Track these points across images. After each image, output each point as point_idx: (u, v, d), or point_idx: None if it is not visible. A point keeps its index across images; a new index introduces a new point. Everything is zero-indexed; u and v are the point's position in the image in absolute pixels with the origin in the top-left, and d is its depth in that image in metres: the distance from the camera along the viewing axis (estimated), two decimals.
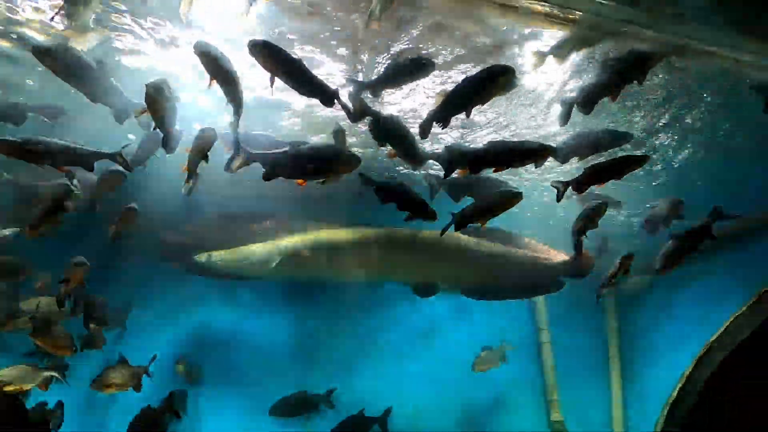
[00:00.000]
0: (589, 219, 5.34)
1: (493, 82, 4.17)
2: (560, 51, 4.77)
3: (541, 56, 4.85)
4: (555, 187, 5.05)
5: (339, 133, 4.97)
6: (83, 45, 4.74)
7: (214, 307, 9.49)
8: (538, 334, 10.66)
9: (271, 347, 9.64)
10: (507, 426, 10.10)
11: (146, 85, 4.08)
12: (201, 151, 4.36)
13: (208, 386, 8.96)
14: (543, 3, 4.14)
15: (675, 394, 7.65)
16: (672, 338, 9.45)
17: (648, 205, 6.69)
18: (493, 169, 4.85)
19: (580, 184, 4.93)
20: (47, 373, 5.30)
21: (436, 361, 10.15)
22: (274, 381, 9.28)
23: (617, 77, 4.37)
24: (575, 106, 4.64)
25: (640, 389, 10.26)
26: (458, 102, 4.34)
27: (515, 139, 6.39)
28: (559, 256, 8.34)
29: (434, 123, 4.58)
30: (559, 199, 5.03)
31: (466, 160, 4.81)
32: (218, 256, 7.94)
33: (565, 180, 4.94)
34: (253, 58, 4.01)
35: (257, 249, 8.02)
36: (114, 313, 7.34)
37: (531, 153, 4.63)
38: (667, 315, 9.81)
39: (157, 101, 4.08)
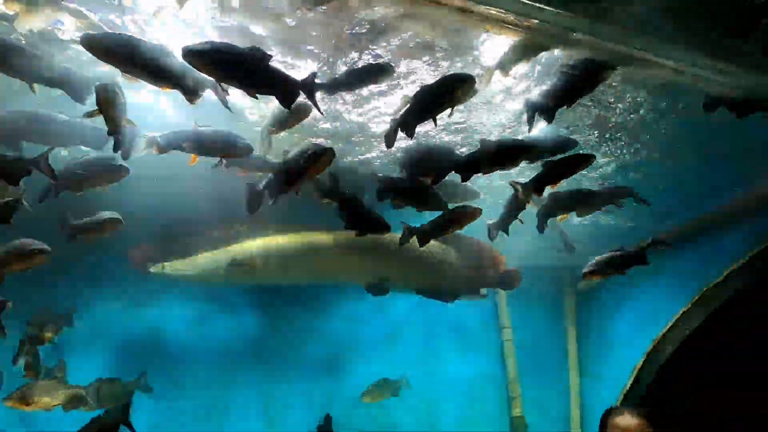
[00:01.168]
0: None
1: (452, 91, 4.27)
2: (508, 63, 4.87)
3: (490, 71, 4.94)
4: (514, 188, 5.28)
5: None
6: (28, 23, 4.49)
7: (171, 307, 9.39)
8: (501, 332, 10.93)
9: (232, 349, 9.60)
10: (470, 422, 10.31)
11: (96, 86, 4.08)
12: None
13: (163, 391, 8.82)
14: (499, 9, 4.18)
15: (627, 387, 8.05)
16: (625, 335, 9.84)
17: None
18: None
19: (538, 183, 5.16)
20: None
21: (400, 360, 10.25)
22: (234, 384, 9.29)
23: (572, 87, 4.54)
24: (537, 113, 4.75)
25: (597, 384, 10.63)
26: (420, 111, 4.43)
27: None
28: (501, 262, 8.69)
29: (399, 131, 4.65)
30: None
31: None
32: (171, 266, 8.26)
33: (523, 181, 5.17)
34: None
35: (207, 257, 8.28)
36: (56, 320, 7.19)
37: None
38: (620, 313, 10.21)
39: (109, 101, 4.07)
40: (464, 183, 5.34)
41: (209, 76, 4.14)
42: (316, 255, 8.28)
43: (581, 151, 5.62)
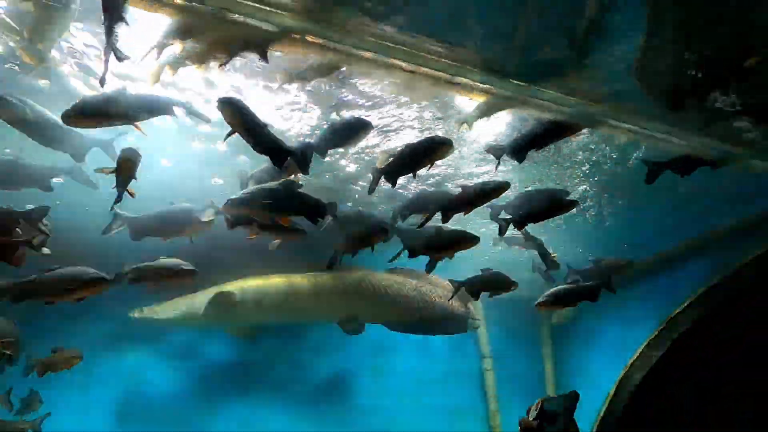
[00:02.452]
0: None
1: (434, 151, 4.86)
2: (477, 116, 5.56)
3: (463, 123, 5.64)
4: (498, 223, 5.85)
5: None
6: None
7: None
8: (481, 362, 11.34)
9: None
10: None
11: (123, 150, 4.48)
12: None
13: None
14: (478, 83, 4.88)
15: (602, 413, 8.57)
16: (599, 362, 10.33)
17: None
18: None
19: (520, 220, 5.74)
20: None
21: (383, 391, 10.59)
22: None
23: (539, 137, 5.21)
24: (506, 154, 5.36)
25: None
26: (403, 166, 5.00)
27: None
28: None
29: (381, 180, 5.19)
30: (501, 234, 5.82)
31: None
32: (150, 311, 8.56)
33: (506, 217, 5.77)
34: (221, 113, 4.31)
35: (185, 301, 8.58)
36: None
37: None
38: (593, 341, 10.74)
39: (130, 167, 4.46)
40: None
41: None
42: (294, 296, 8.63)
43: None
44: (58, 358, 6.15)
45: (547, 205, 5.61)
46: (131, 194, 4.56)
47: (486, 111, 5.31)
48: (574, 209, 5.99)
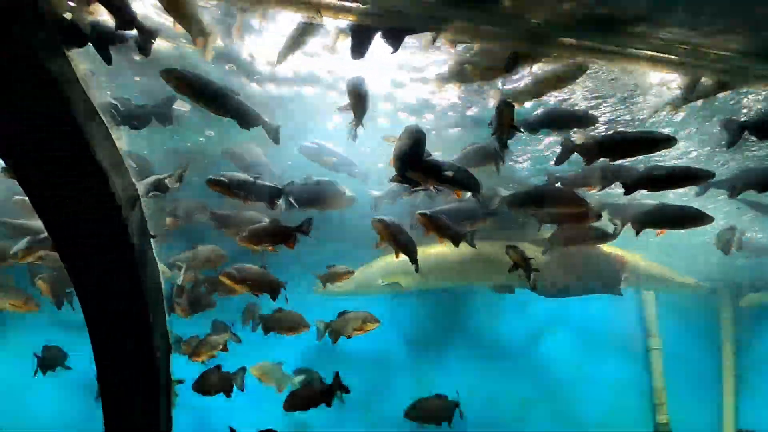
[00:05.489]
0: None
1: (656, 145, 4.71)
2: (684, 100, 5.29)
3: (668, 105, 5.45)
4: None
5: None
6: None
7: None
8: (648, 340, 11.03)
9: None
10: (610, 424, 10.61)
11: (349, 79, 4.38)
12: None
13: None
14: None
15: None
16: None
17: None
18: None
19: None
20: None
21: (542, 360, 10.93)
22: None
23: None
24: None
25: (757, 401, 10.36)
26: (611, 150, 4.78)
27: None
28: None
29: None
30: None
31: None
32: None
33: None
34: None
35: (364, 271, 9.32)
36: None
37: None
38: None
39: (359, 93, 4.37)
40: None
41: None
42: (454, 262, 9.00)
43: None
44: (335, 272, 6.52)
45: None
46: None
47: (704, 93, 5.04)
48: None
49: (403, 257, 5.07)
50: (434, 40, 4.07)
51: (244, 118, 4.34)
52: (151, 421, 4.21)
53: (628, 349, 11.05)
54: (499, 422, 10.24)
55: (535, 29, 3.90)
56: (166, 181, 4.25)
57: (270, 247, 5.00)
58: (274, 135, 4.75)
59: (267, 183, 4.93)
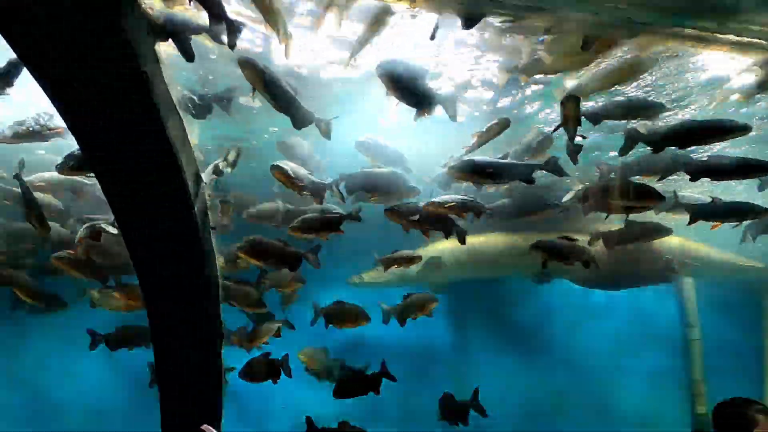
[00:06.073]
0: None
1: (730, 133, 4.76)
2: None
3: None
4: None
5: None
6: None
7: None
8: (687, 330, 10.88)
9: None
10: (646, 416, 10.59)
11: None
12: None
13: None
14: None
15: None
16: None
17: None
18: None
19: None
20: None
21: (579, 352, 10.87)
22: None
23: None
24: None
25: None
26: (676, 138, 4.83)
27: None
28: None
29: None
30: None
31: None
32: (367, 276, 9.65)
33: None
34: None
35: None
36: None
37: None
38: None
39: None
40: None
41: None
42: (491, 254, 9.26)
43: None
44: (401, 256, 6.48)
45: None
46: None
47: None
48: None
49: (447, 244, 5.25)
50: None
51: (298, 118, 4.50)
52: (207, 407, 4.35)
53: (666, 339, 10.91)
54: (537, 414, 10.27)
55: (624, 12, 3.86)
56: (220, 165, 4.54)
57: (322, 236, 5.20)
58: (326, 128, 4.87)
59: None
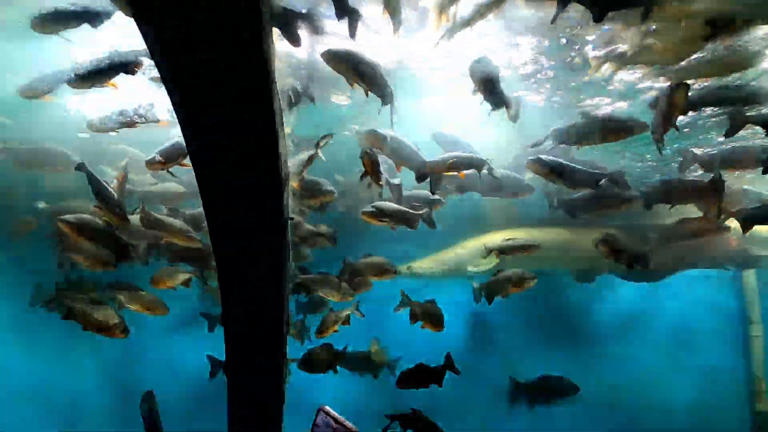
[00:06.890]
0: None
1: None
2: None
3: None
4: None
5: None
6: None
7: None
8: (748, 327, 10.55)
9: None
10: (701, 412, 10.30)
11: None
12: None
13: None
14: None
15: None
16: None
17: None
18: None
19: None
20: None
21: (635, 345, 10.65)
22: None
23: None
24: None
25: None
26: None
27: None
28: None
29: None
30: None
31: None
32: (418, 266, 9.44)
33: None
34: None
35: (450, 254, 9.38)
36: None
37: None
38: None
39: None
40: None
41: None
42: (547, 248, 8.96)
43: None
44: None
45: None
46: None
47: None
48: None
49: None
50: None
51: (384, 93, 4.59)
52: (273, 399, 4.37)
53: (725, 335, 10.63)
54: (588, 408, 10.09)
55: None
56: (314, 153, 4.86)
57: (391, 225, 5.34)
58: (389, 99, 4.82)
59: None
